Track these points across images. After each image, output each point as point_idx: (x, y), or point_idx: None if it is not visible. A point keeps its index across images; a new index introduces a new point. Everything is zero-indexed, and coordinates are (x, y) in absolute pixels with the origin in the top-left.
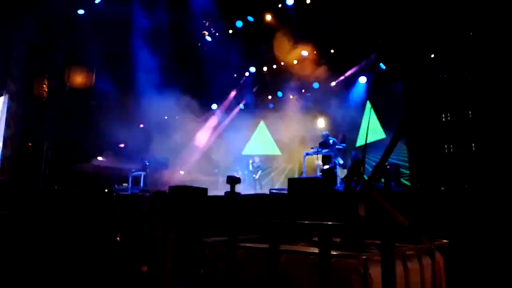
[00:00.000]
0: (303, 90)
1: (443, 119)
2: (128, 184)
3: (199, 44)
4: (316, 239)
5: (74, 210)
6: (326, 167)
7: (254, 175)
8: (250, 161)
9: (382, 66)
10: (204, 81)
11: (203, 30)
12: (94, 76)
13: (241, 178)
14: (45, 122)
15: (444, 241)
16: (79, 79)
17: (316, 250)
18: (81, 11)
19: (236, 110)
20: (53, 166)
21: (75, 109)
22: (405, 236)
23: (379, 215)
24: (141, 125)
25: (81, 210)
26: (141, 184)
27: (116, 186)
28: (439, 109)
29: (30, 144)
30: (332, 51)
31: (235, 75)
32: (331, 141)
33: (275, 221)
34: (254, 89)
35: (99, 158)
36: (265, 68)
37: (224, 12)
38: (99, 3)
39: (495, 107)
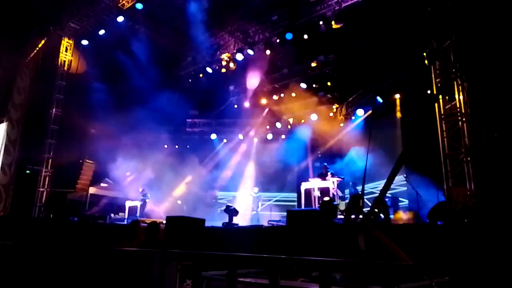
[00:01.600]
0: (302, 121)
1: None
2: (125, 214)
3: (201, 75)
4: (316, 274)
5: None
6: (326, 198)
7: (253, 206)
8: (246, 187)
9: (379, 99)
10: (203, 110)
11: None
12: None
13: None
14: (44, 149)
15: (446, 278)
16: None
17: (316, 286)
18: (85, 42)
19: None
20: (50, 194)
21: (74, 137)
22: (406, 274)
23: (379, 251)
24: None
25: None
26: (138, 213)
27: (112, 216)
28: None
29: (28, 171)
30: (329, 83)
31: (235, 106)
32: (329, 173)
33: (274, 256)
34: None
35: (97, 186)
36: (264, 100)
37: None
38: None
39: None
